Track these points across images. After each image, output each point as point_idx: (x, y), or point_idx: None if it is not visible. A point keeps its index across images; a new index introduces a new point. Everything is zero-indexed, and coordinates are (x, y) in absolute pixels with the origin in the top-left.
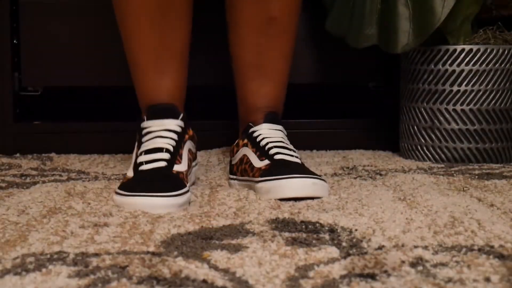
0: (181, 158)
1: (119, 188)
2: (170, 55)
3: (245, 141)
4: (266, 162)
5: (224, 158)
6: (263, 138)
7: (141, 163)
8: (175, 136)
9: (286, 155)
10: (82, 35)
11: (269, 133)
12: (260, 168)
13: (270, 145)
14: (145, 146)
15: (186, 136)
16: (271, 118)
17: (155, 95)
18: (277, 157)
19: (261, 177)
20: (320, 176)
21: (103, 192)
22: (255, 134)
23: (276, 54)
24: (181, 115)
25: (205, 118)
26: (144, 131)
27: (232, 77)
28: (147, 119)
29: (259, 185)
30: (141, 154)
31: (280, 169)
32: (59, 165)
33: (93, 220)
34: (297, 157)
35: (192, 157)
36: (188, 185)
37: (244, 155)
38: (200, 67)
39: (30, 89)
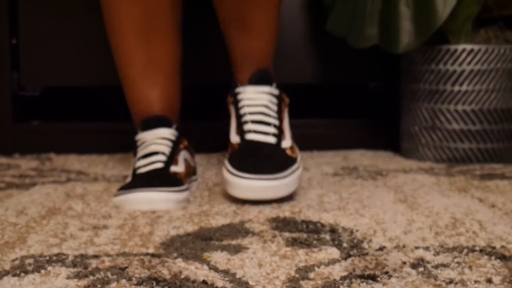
0: (177, 162)
1: (118, 190)
2: (158, 67)
3: (231, 99)
4: (238, 140)
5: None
6: (243, 106)
7: (138, 168)
8: (169, 143)
9: (259, 134)
10: (82, 35)
11: (251, 98)
12: (233, 145)
13: (246, 117)
14: (140, 153)
15: (181, 146)
16: (257, 79)
17: (146, 108)
18: (248, 137)
19: (227, 160)
20: (285, 167)
21: (103, 195)
22: (238, 97)
23: (256, 9)
24: (175, 126)
25: (209, 119)
26: (139, 143)
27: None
28: (141, 132)
29: (223, 172)
30: (138, 160)
31: (242, 159)
32: (59, 165)
33: (92, 222)
34: (274, 134)
35: (190, 169)
36: (186, 185)
37: (231, 115)
38: (203, 66)
39: (29, 89)
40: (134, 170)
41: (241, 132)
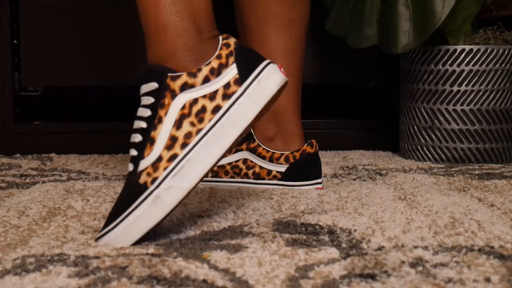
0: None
1: None
2: None
3: None
4: None
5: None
6: None
7: None
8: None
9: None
10: (82, 35)
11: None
12: None
13: None
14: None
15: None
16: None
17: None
18: None
19: None
20: (115, 216)
21: (102, 189)
22: None
23: None
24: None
25: None
26: None
27: None
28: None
29: None
30: None
31: None
32: (59, 165)
33: (92, 224)
34: (133, 157)
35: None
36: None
37: None
38: None
39: (30, 89)
40: None
41: None
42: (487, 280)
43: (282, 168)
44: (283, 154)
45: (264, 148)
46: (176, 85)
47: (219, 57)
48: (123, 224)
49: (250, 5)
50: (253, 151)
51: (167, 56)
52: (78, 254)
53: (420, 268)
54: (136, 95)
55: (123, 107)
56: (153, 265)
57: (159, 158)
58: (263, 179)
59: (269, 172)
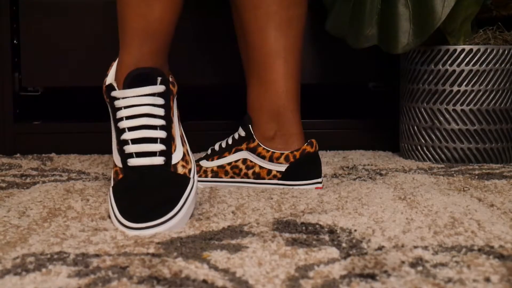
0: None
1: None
2: None
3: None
4: (121, 164)
5: None
6: (121, 118)
7: (130, 155)
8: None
9: (143, 157)
10: (82, 35)
11: (131, 105)
12: (117, 169)
13: (126, 135)
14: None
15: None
16: (134, 79)
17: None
18: (130, 162)
19: (112, 194)
20: (176, 200)
21: (102, 188)
22: (115, 105)
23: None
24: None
25: (209, 119)
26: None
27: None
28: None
29: (108, 205)
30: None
31: (126, 198)
32: (59, 165)
33: (92, 224)
34: (162, 151)
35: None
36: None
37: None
38: (204, 66)
39: (30, 89)
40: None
41: (121, 154)
42: (487, 280)
43: (282, 167)
44: (283, 153)
45: (264, 148)
46: (175, 90)
47: (174, 82)
48: (184, 208)
49: (251, 4)
50: (253, 150)
51: (162, 67)
52: (78, 252)
53: (420, 268)
54: None
55: None
56: (153, 265)
57: (184, 154)
58: (263, 178)
59: (269, 171)
